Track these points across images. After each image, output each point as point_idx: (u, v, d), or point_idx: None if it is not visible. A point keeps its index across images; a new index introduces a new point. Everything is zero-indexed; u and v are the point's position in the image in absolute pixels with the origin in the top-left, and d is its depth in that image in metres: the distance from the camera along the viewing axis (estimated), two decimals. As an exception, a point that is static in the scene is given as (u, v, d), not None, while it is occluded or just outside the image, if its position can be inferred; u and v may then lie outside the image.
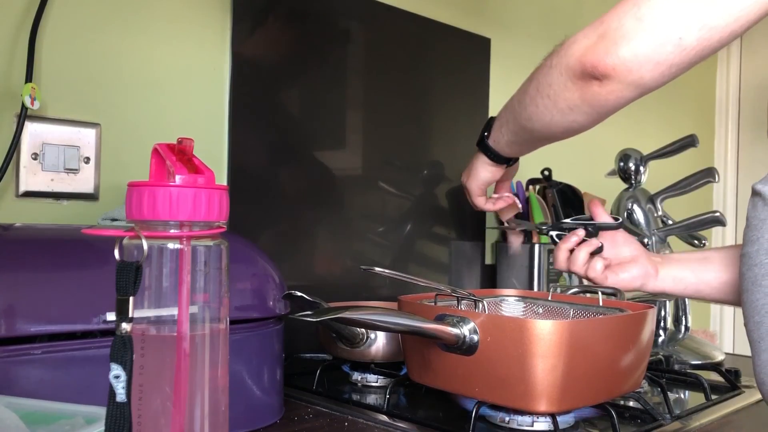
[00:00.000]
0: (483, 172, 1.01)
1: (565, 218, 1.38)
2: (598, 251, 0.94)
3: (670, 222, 1.32)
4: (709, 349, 1.24)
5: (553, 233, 1.00)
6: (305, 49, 1.15)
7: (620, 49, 0.66)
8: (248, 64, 1.08)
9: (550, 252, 1.35)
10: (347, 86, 1.22)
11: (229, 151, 1.06)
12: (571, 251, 0.94)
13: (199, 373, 0.51)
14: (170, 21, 1.01)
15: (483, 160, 0.99)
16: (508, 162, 0.99)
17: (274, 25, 1.12)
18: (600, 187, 1.48)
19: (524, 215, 1.40)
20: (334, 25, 1.21)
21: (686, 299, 1.28)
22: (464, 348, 0.76)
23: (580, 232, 0.95)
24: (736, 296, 0.85)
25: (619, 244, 0.96)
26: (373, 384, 0.98)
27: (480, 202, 1.05)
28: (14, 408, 0.50)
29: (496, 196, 1.09)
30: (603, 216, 0.97)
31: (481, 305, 0.81)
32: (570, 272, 0.94)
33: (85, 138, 0.92)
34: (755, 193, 0.66)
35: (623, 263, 0.93)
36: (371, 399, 0.92)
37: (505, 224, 1.17)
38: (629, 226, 1.27)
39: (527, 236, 1.40)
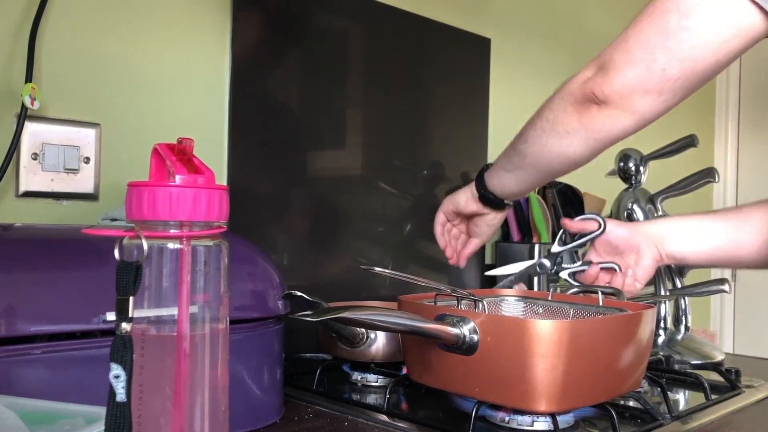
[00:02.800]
0: (461, 196, 1.00)
1: (563, 217, 1.38)
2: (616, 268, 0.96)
3: (670, 222, 1.32)
4: (709, 349, 1.24)
5: (565, 276, 0.99)
6: (305, 49, 1.15)
7: (613, 78, 0.71)
8: (248, 64, 1.08)
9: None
10: (347, 86, 1.22)
11: (229, 150, 1.06)
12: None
13: (199, 373, 0.51)
14: (170, 21, 1.01)
15: (470, 187, 0.99)
16: (490, 202, 0.98)
17: (274, 25, 1.12)
18: (600, 187, 1.48)
19: (524, 215, 1.40)
20: (334, 26, 1.21)
21: (686, 298, 1.28)
22: (464, 348, 0.76)
23: (592, 272, 0.95)
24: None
25: (614, 244, 0.96)
26: (373, 384, 0.98)
27: (437, 221, 1.04)
28: (14, 408, 0.50)
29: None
30: (585, 225, 0.97)
31: (481, 305, 0.81)
32: None
33: (85, 138, 0.92)
34: None
35: (637, 262, 0.94)
36: (371, 399, 0.92)
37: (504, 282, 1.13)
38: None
39: (527, 236, 1.40)
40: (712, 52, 0.65)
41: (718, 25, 0.63)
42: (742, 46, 0.65)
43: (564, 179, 1.45)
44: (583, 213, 1.40)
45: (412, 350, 0.85)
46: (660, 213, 1.32)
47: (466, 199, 1.00)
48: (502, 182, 0.94)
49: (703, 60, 0.65)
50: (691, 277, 1.30)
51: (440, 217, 1.05)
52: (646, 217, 1.30)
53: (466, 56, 1.44)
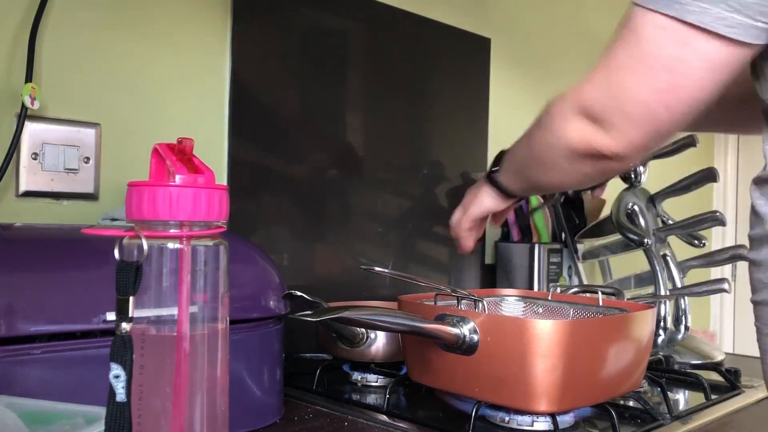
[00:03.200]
0: (485, 200, 0.97)
1: (564, 217, 1.38)
2: None
3: (670, 222, 1.32)
4: (709, 349, 1.24)
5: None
6: (305, 49, 1.15)
7: (620, 141, 0.68)
8: (248, 64, 1.08)
9: (551, 252, 1.35)
10: (347, 86, 1.22)
11: (229, 151, 1.06)
12: None
13: (199, 373, 0.51)
14: (171, 21, 1.01)
15: (488, 190, 0.97)
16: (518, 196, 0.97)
17: (274, 25, 1.12)
18: (600, 187, 1.48)
19: (524, 215, 1.40)
20: (333, 25, 1.21)
21: (686, 298, 1.28)
22: (464, 348, 0.76)
23: None
24: None
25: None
26: (373, 384, 0.98)
27: (462, 227, 1.01)
28: (14, 408, 0.50)
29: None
30: None
31: (481, 305, 0.81)
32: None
33: (85, 138, 0.92)
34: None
35: None
36: (371, 399, 0.92)
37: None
38: (629, 225, 1.27)
39: (527, 236, 1.40)
40: (711, 95, 0.63)
41: (709, 73, 0.61)
42: (732, 76, 0.63)
43: (564, 179, 1.45)
44: (583, 214, 1.40)
45: (412, 350, 0.85)
46: (660, 213, 1.32)
47: (492, 201, 0.97)
48: (522, 189, 0.95)
49: (704, 102, 0.64)
50: (691, 277, 1.30)
51: (466, 224, 1.01)
52: (646, 217, 1.30)
53: (466, 56, 1.44)
